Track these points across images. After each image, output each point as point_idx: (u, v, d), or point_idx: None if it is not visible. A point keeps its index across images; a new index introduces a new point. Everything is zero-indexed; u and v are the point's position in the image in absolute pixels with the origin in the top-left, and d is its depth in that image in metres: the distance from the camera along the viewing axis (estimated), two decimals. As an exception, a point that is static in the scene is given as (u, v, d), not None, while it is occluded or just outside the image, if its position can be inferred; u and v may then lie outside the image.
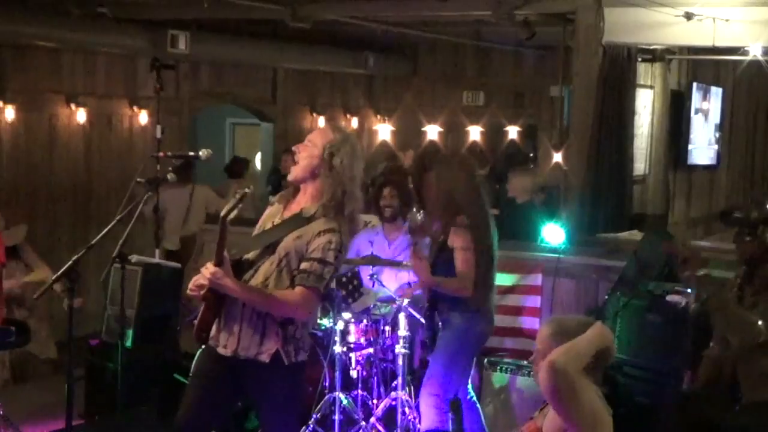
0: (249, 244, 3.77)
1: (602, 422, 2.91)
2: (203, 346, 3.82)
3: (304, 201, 3.74)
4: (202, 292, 3.65)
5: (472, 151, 10.45)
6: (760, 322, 3.83)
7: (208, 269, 3.57)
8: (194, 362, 3.86)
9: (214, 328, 3.71)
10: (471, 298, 4.74)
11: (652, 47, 8.57)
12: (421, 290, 5.27)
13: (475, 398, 5.12)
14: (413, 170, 9.71)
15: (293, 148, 3.82)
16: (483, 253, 4.77)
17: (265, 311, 3.64)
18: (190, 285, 3.73)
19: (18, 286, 6.47)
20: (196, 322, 3.73)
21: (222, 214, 3.62)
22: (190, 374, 3.89)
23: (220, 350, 3.70)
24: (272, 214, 3.84)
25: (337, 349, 5.21)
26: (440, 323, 4.93)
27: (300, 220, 3.68)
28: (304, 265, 3.62)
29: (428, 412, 4.82)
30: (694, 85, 10.74)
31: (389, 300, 5.70)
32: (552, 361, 2.82)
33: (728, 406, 4.01)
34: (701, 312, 4.10)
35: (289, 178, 3.79)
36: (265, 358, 3.65)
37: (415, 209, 5.00)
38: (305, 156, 3.72)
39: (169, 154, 4.70)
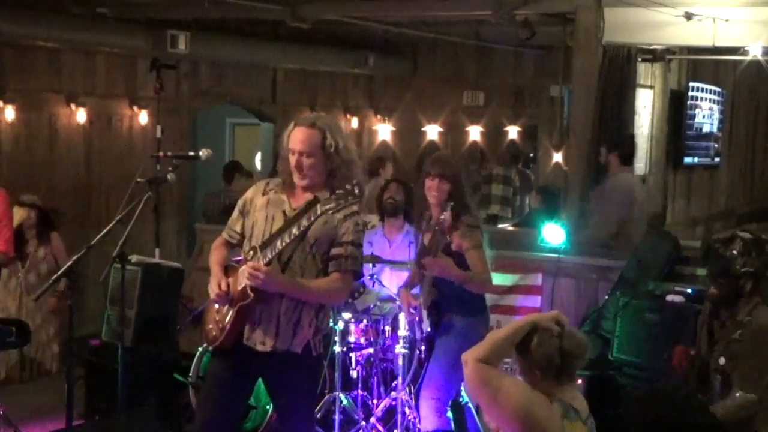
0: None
1: (533, 418, 2.79)
2: (208, 353, 3.83)
3: (314, 188, 3.78)
4: (251, 296, 3.62)
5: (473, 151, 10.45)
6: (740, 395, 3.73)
7: (259, 269, 3.58)
8: (201, 367, 3.84)
9: (246, 328, 3.73)
10: (478, 297, 4.71)
11: (652, 47, 8.54)
12: (420, 290, 5.20)
13: (467, 401, 5.08)
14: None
15: (294, 166, 3.78)
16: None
17: (304, 301, 3.72)
18: (215, 291, 3.72)
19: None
20: (225, 333, 3.70)
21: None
22: (191, 378, 3.87)
23: (259, 347, 3.72)
24: (277, 204, 3.83)
25: (337, 349, 5.21)
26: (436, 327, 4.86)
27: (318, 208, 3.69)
28: (338, 251, 3.72)
29: (429, 415, 4.79)
30: (694, 85, 10.73)
31: (389, 300, 5.70)
32: (463, 356, 2.88)
33: None
34: None
35: (305, 184, 3.79)
36: (298, 349, 3.72)
37: (449, 208, 4.73)
38: (313, 172, 3.76)
39: (169, 153, 4.71)
